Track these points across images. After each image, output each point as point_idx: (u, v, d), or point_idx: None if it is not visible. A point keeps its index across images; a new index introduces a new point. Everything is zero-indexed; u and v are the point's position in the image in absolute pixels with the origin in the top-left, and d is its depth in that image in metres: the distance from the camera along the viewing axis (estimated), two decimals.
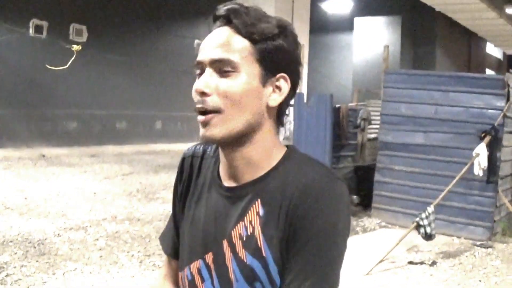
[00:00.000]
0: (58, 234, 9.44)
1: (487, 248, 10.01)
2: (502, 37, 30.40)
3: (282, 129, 13.22)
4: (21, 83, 20.57)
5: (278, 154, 1.86)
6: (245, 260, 1.79)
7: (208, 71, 1.76)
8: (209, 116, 1.74)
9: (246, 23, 1.77)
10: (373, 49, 25.61)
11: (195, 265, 1.92)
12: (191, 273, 1.93)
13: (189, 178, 2.04)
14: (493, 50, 36.19)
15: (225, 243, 1.84)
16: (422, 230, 8.69)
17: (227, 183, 1.89)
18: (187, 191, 2.04)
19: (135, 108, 24.59)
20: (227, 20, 1.79)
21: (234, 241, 1.82)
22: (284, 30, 1.82)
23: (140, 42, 24.33)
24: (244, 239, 1.80)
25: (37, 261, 8.01)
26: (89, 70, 22.14)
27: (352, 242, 9.96)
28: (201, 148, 2.07)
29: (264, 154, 1.84)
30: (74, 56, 14.36)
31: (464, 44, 31.49)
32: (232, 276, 1.82)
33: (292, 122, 12.22)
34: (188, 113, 26.34)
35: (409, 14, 26.83)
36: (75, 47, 13.94)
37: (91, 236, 9.48)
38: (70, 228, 9.90)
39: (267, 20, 1.80)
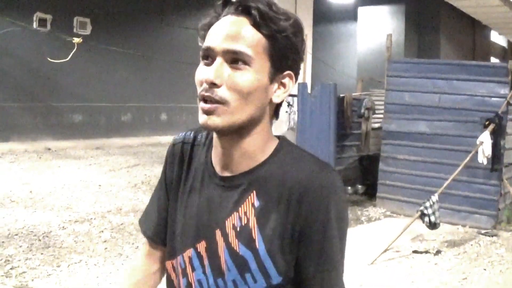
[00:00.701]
0: (63, 227, 9.46)
1: (492, 236, 10.01)
2: (506, 25, 30.23)
3: (286, 119, 13.24)
4: (25, 76, 20.56)
5: (271, 146, 1.87)
6: (237, 251, 1.80)
7: (219, 60, 1.73)
8: (214, 105, 1.73)
9: (266, 18, 1.74)
10: (377, 39, 25.53)
11: (187, 254, 1.92)
12: (184, 261, 1.94)
13: (180, 165, 2.04)
14: (497, 38, 36.06)
15: (218, 233, 1.84)
16: (426, 219, 8.68)
17: (221, 172, 1.89)
18: (178, 177, 2.03)
19: (140, 100, 24.56)
20: (246, 10, 1.76)
21: (227, 231, 1.83)
22: (298, 28, 1.81)
23: (144, 34, 24.28)
24: (238, 229, 1.81)
25: (42, 253, 8.05)
26: (93, 62, 22.11)
27: (357, 231, 10.00)
28: (191, 134, 2.07)
29: (260, 146, 1.85)
30: (75, 48, 14.37)
31: (469, 32, 31.39)
32: (224, 266, 1.83)
33: (296, 112, 12.20)
34: (193, 104, 26.25)
35: (413, 2, 26.76)
36: (76, 40, 13.96)
37: (96, 228, 9.50)
38: (75, 220, 9.92)
39: (284, 17, 1.78)
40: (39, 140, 20.39)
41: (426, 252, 8.93)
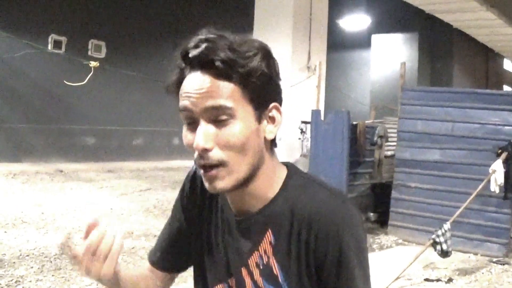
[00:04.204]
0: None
1: (504, 264, 9.97)
2: None
3: (299, 146, 13.27)
4: (39, 98, 20.69)
5: (279, 179, 1.85)
6: (262, 287, 1.83)
7: (203, 123, 1.67)
8: (214, 171, 1.69)
9: (232, 66, 1.65)
10: (390, 66, 25.58)
11: (220, 287, 1.94)
12: None
13: (202, 196, 2.02)
14: (510, 66, 36.08)
15: (244, 271, 1.86)
16: (438, 247, 8.66)
17: (236, 214, 1.88)
18: (200, 209, 2.03)
19: (152, 124, 24.63)
20: (210, 64, 1.66)
21: (251, 269, 1.85)
22: (267, 55, 1.74)
23: (158, 58, 24.34)
24: (261, 267, 1.83)
25: (53, 275, 8.04)
26: (107, 85, 22.21)
27: (369, 259, 9.94)
28: None
29: (267, 185, 1.82)
30: (92, 72, 14.45)
31: (482, 60, 31.40)
32: None
33: (309, 139, 12.20)
34: None
35: (426, 30, 26.78)
36: (93, 63, 14.05)
37: None
38: None
39: (250, 52, 1.69)
40: (51, 161, 20.47)
41: (438, 280, 8.89)
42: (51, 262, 8.68)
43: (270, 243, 1.81)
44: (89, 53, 21.75)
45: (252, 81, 1.67)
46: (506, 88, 34.24)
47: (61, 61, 20.63)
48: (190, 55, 1.67)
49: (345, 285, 1.72)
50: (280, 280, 1.79)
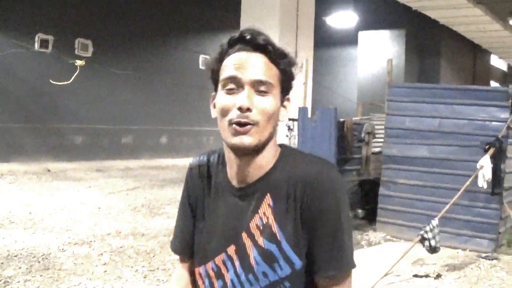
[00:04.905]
0: (63, 249, 9.44)
1: (492, 260, 9.99)
2: (506, 49, 30.38)
3: (286, 143, 13.24)
4: (27, 97, 20.65)
5: (277, 154, 2.22)
6: (263, 246, 2.13)
7: (248, 89, 2.07)
8: (249, 127, 2.05)
9: (278, 54, 2.14)
10: (378, 63, 25.60)
11: (220, 258, 2.23)
12: (216, 265, 2.25)
13: (201, 185, 2.37)
14: (497, 62, 36.17)
15: (244, 235, 2.17)
16: (426, 243, 8.67)
17: (237, 184, 2.22)
18: (202, 196, 2.36)
19: (141, 123, 24.62)
20: (261, 47, 2.11)
21: (252, 231, 2.16)
22: (294, 62, 2.20)
23: (146, 56, 24.37)
24: (261, 228, 2.15)
25: (41, 275, 8.02)
26: (95, 84, 22.21)
27: (357, 255, 9.93)
28: (205, 157, 2.40)
29: (271, 155, 2.20)
30: (78, 71, 14.43)
31: (469, 56, 31.48)
32: (253, 262, 2.15)
33: (297, 136, 12.19)
34: (194, 127, 26.37)
35: (413, 27, 26.78)
36: (79, 62, 14.04)
37: (96, 251, 9.48)
38: (75, 243, 9.91)
39: (287, 53, 2.17)
40: (40, 161, 20.44)
41: (427, 276, 8.90)
42: (39, 262, 8.65)
43: (269, 205, 2.15)
44: (76, 51, 21.71)
45: (287, 72, 2.17)
46: (493, 84, 34.36)
47: (48, 59, 20.62)
48: (247, 37, 2.11)
49: (333, 235, 2.10)
50: (278, 237, 2.11)
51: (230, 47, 2.15)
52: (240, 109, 2.04)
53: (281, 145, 2.27)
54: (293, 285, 2.12)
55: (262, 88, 2.08)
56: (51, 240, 9.94)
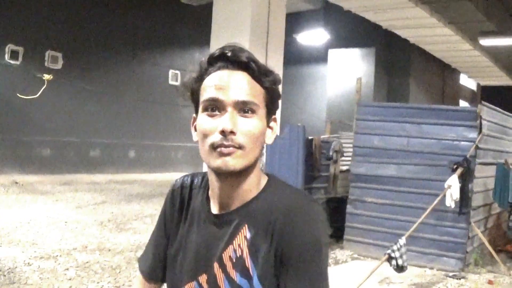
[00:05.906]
0: (28, 263, 9.35)
1: (460, 279, 10.04)
2: (476, 68, 30.62)
3: None
4: None
5: (262, 183, 2.10)
6: (235, 279, 2.00)
7: (230, 111, 1.94)
8: (234, 149, 1.93)
9: (262, 72, 2.01)
10: (347, 81, 25.64)
11: (190, 286, 2.12)
12: None
13: (180, 207, 2.25)
14: (466, 81, 36.43)
15: (216, 265, 2.04)
16: (394, 262, 8.69)
17: (216, 210, 2.10)
18: (178, 219, 2.25)
19: (109, 137, 24.54)
20: (242, 65, 1.99)
21: (225, 262, 2.03)
22: (279, 79, 2.08)
23: (115, 70, 24.33)
24: (234, 260, 2.01)
25: None
26: (64, 97, 22.12)
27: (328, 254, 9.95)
28: (189, 179, 2.29)
29: (254, 183, 2.07)
30: (46, 85, 14.33)
31: (438, 75, 31.63)
32: None
33: (264, 153, 12.19)
34: (162, 142, 26.31)
35: (383, 46, 26.88)
36: (46, 77, 13.97)
37: (61, 265, 9.39)
38: (41, 257, 9.81)
39: (271, 70, 2.06)
40: (7, 173, 20.28)
41: None
42: (4, 276, 8.56)
43: (245, 237, 2.01)
44: (46, 64, 21.61)
45: (272, 90, 2.05)
46: (462, 103, 34.60)
47: (18, 72, 20.49)
48: (228, 55, 2.00)
49: (302, 276, 1.91)
50: (251, 272, 1.97)
51: (210, 65, 2.03)
52: (223, 132, 1.92)
53: (269, 175, 2.15)
54: None
55: (246, 109, 1.96)
56: (17, 254, 9.84)
